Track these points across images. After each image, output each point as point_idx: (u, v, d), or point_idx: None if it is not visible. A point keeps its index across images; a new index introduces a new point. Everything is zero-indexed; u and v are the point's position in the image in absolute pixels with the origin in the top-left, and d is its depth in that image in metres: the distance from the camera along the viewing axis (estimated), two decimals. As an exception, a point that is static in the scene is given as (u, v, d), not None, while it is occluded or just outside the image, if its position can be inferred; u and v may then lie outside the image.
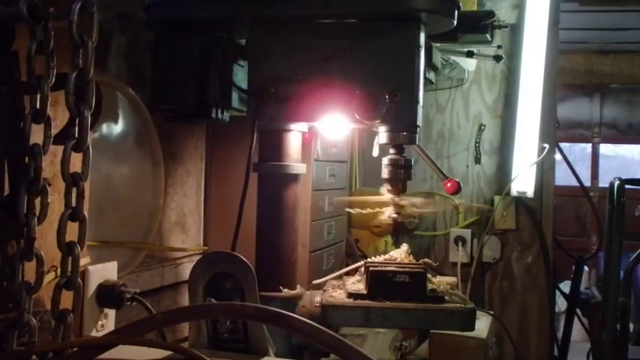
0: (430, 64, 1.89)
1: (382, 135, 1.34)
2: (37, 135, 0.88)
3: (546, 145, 2.82)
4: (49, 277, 1.02)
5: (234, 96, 1.48)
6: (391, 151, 1.36)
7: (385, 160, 1.37)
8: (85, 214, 0.89)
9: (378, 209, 1.42)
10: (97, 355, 0.84)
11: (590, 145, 6.67)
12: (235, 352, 1.09)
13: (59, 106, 0.97)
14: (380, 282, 1.24)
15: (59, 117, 1.00)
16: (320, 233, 2.00)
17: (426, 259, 1.40)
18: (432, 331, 1.88)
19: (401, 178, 1.36)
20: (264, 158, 1.42)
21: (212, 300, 1.20)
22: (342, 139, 2.11)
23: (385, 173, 1.36)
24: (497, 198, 2.92)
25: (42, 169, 0.87)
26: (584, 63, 6.13)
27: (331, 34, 1.32)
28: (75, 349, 0.84)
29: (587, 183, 6.11)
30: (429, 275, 1.29)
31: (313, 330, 0.82)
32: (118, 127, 1.57)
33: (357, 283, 1.31)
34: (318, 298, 1.27)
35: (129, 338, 0.85)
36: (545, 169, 2.90)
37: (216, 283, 1.21)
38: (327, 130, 1.67)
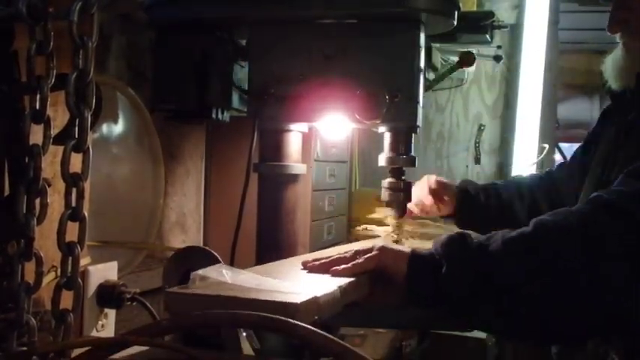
0: (430, 64, 1.89)
1: (381, 157, 1.35)
2: (36, 135, 0.88)
3: (546, 145, 2.82)
4: (49, 277, 1.02)
5: (235, 96, 1.48)
6: (390, 175, 1.37)
7: (384, 184, 1.38)
8: (85, 214, 0.89)
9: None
10: (107, 355, 0.85)
11: (590, 145, 6.67)
12: (210, 347, 1.09)
13: (59, 107, 0.98)
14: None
15: (59, 117, 1.00)
16: (320, 233, 2.00)
17: None
18: (432, 331, 1.88)
19: (400, 201, 1.37)
20: (264, 158, 1.42)
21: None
22: (342, 139, 2.11)
23: (385, 196, 1.38)
24: (497, 198, 2.92)
25: (41, 169, 0.87)
26: (584, 63, 6.13)
27: (331, 34, 1.32)
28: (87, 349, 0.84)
29: (587, 183, 6.11)
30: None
31: (316, 336, 0.82)
32: (118, 127, 1.57)
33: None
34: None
35: (128, 338, 0.85)
36: (545, 169, 2.91)
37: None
38: (327, 130, 1.67)
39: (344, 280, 1.02)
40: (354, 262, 1.07)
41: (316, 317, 0.91)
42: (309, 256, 1.20)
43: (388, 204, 1.38)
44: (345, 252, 1.13)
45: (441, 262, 1.05)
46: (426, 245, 1.24)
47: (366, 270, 1.07)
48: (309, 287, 0.97)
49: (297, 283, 1.02)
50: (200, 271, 0.99)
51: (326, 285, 0.98)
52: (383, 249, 1.10)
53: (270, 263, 1.19)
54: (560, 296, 1.00)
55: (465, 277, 1.02)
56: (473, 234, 1.09)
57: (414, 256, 1.08)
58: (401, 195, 1.36)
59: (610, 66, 1.41)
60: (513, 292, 1.01)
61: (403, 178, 1.36)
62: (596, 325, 1.04)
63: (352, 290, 1.02)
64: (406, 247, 1.15)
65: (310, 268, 1.09)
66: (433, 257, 1.07)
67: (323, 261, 1.10)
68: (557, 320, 1.03)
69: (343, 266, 1.06)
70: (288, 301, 0.87)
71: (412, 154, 1.34)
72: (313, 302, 0.90)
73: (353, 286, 1.03)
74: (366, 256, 1.09)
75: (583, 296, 1.00)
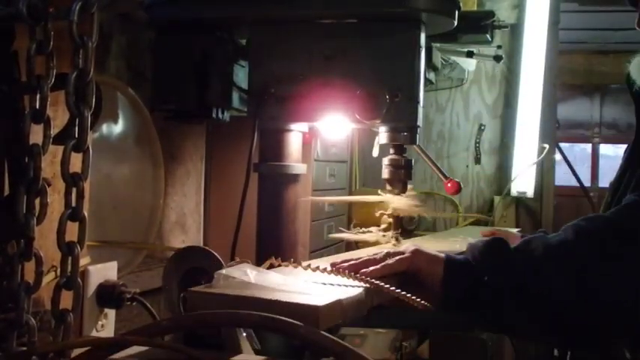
0: (430, 64, 1.89)
1: (382, 135, 1.34)
2: (36, 135, 0.88)
3: (546, 145, 2.81)
4: (49, 277, 1.02)
5: (235, 96, 1.48)
6: (391, 151, 1.36)
7: (385, 161, 1.37)
8: (85, 214, 0.89)
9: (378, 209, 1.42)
10: (107, 355, 0.85)
11: (590, 145, 6.68)
12: (210, 347, 1.09)
13: (59, 106, 0.97)
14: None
15: (59, 117, 1.00)
16: (320, 233, 2.00)
17: None
18: (432, 331, 1.88)
19: (401, 178, 1.36)
20: (265, 158, 1.42)
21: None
22: (342, 139, 2.12)
23: (385, 173, 1.37)
24: (497, 198, 2.92)
25: (41, 169, 0.87)
26: (584, 63, 6.13)
27: (332, 34, 1.32)
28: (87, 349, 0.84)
29: (587, 183, 6.12)
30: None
31: (316, 336, 0.82)
32: (118, 127, 1.57)
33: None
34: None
35: (128, 338, 0.85)
36: (545, 169, 2.90)
37: (191, 278, 1.21)
38: (327, 130, 1.67)
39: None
40: (383, 264, 1.06)
41: (340, 321, 0.88)
42: (339, 257, 1.19)
43: (389, 181, 1.37)
44: (375, 254, 1.12)
45: (479, 271, 1.04)
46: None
47: (397, 272, 1.06)
48: (335, 289, 0.94)
49: (323, 284, 0.99)
50: (224, 270, 0.98)
51: (353, 287, 0.96)
52: (416, 252, 1.09)
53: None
54: (594, 303, 1.00)
55: (506, 287, 1.03)
56: None
57: (450, 261, 1.07)
58: (402, 172, 1.35)
59: (636, 66, 1.38)
60: (547, 300, 1.01)
61: (404, 155, 1.36)
62: (624, 329, 1.05)
63: (379, 293, 0.99)
64: (436, 250, 1.13)
65: (339, 269, 1.06)
66: (471, 264, 1.06)
67: (352, 262, 1.08)
68: (586, 328, 1.03)
69: (372, 268, 1.05)
70: (310, 303, 0.84)
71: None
72: (337, 305, 0.87)
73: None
74: (397, 258, 1.08)
75: (616, 302, 1.00)
